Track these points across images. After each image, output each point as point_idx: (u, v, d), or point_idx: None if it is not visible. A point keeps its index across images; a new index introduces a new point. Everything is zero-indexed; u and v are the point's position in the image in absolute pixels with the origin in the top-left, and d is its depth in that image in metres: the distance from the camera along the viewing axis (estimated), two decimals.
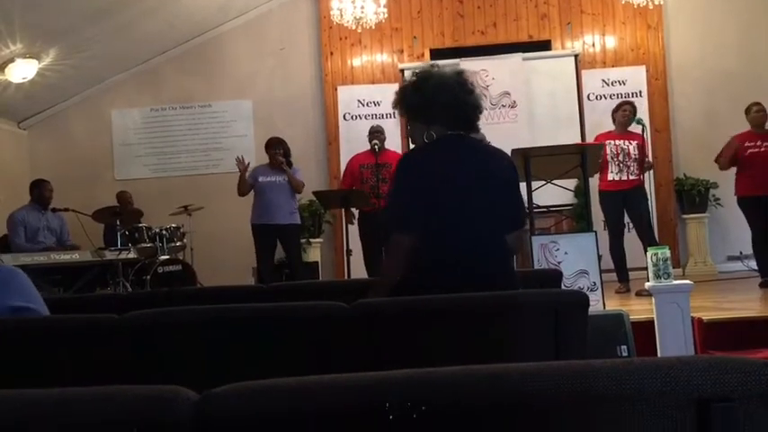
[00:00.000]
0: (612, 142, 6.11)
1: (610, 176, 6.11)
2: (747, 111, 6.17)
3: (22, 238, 6.53)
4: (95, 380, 1.51)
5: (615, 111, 6.28)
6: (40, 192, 6.76)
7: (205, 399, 0.90)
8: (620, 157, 6.06)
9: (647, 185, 6.33)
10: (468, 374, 0.93)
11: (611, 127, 6.32)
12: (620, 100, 7.08)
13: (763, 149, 5.94)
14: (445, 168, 2.44)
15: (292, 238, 6.47)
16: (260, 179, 6.41)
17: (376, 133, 6.31)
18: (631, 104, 6.36)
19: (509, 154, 5.31)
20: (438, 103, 2.48)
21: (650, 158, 6.31)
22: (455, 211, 2.41)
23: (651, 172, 6.67)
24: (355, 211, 6.34)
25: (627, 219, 6.24)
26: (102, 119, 8.75)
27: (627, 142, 6.07)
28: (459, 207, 2.41)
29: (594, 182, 5.91)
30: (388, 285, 2.40)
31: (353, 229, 6.31)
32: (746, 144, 6.00)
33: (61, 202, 6.96)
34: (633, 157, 6.04)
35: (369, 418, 0.91)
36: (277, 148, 6.40)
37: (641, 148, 6.09)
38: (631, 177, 6.05)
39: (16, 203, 6.90)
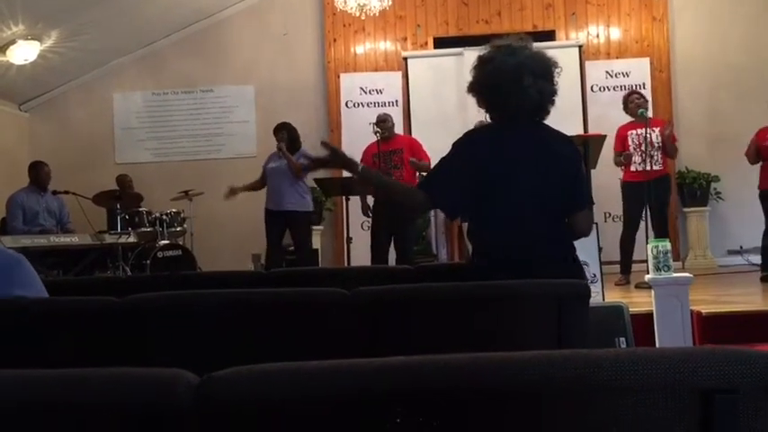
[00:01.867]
0: (634, 132, 6.04)
1: (633, 167, 6.00)
2: None
3: (19, 221, 6.52)
4: (94, 362, 1.51)
5: (626, 105, 6.19)
6: (37, 173, 6.75)
7: (205, 382, 0.90)
8: (643, 147, 5.97)
9: None
10: (468, 362, 0.93)
11: (615, 118, 6.28)
12: (623, 92, 7.02)
13: None
14: (501, 153, 2.42)
15: (298, 224, 6.47)
16: (268, 166, 6.47)
17: (380, 122, 6.30)
18: (638, 92, 6.31)
19: None
20: (485, 92, 2.49)
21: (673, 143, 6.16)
22: (508, 197, 2.40)
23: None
24: (370, 202, 6.34)
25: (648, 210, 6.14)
26: (103, 102, 8.72)
27: (649, 130, 5.92)
28: (513, 192, 2.40)
29: (594, 173, 5.87)
30: (380, 189, 2.62)
31: (354, 217, 6.30)
32: (767, 136, 5.97)
33: (62, 184, 6.95)
34: (656, 145, 5.92)
35: (368, 404, 0.91)
36: (281, 134, 6.41)
37: (663, 132, 6.00)
38: (655, 167, 5.88)
39: (17, 185, 6.90)
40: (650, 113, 6.18)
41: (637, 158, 6.01)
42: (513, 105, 2.44)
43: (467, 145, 2.46)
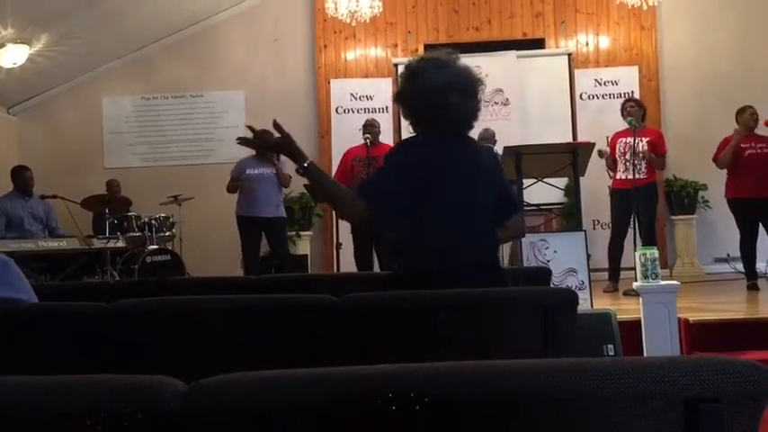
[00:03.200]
0: (623, 140, 6.09)
1: (618, 175, 6.09)
2: (741, 112, 6.16)
3: (1, 227, 6.48)
4: (82, 368, 1.50)
5: (621, 113, 6.24)
6: (18, 179, 6.71)
7: (193, 390, 0.90)
8: (627, 156, 6.01)
9: None
10: (456, 370, 0.93)
11: (604, 126, 6.34)
12: (612, 100, 7.09)
13: (758, 150, 5.95)
14: (438, 164, 2.45)
15: (278, 231, 6.46)
16: (247, 171, 6.40)
17: (368, 127, 6.29)
18: (633, 100, 6.36)
19: (502, 152, 5.35)
20: (412, 105, 2.52)
21: (662, 155, 6.20)
22: (448, 206, 2.42)
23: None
24: None
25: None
26: (92, 106, 8.69)
27: (637, 139, 5.95)
28: (453, 201, 2.43)
29: (583, 180, 5.92)
30: (323, 190, 2.50)
31: (343, 223, 6.29)
32: (743, 145, 6.00)
33: (50, 189, 6.91)
34: (641, 155, 5.99)
35: (356, 411, 0.91)
36: None
37: (653, 143, 6.04)
38: (639, 176, 5.92)
39: (5, 190, 6.85)
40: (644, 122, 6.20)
41: (621, 166, 6.06)
42: (440, 121, 2.47)
43: (400, 155, 2.49)
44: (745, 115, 6.10)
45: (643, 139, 6.00)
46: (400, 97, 2.56)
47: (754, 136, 6.05)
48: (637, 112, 6.09)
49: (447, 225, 2.42)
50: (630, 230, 5.96)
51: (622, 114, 6.21)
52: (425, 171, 2.41)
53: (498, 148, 5.90)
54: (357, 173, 6.18)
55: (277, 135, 2.41)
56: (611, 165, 6.19)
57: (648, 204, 6.00)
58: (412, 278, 2.37)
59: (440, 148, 2.47)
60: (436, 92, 2.44)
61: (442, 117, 2.46)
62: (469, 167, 2.47)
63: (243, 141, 2.56)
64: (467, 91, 2.47)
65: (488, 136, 6.57)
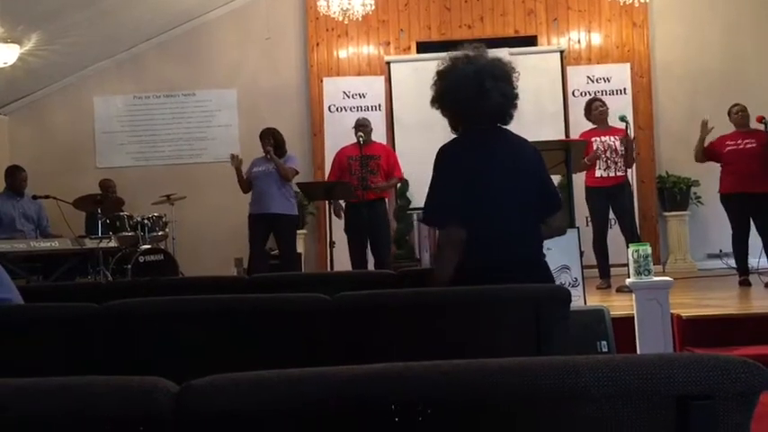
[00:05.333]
0: (598, 139, 6.12)
1: (597, 173, 6.12)
2: (729, 113, 6.22)
3: None
4: (75, 370, 1.50)
5: (588, 112, 6.29)
6: (13, 179, 6.68)
7: (185, 390, 0.90)
8: (608, 153, 6.06)
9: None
10: (449, 369, 0.93)
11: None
12: (604, 97, 7.08)
13: (741, 146, 5.99)
14: (479, 161, 2.48)
15: (285, 228, 6.42)
16: (253, 170, 6.42)
17: (360, 126, 6.29)
18: (599, 99, 6.41)
19: None
20: (449, 102, 2.54)
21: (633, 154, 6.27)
22: (490, 202, 2.45)
23: (634, 168, 6.70)
24: (342, 204, 6.33)
25: (611, 215, 6.26)
26: (84, 106, 8.65)
27: (612, 138, 6.06)
28: (495, 197, 2.45)
29: (578, 178, 5.93)
30: (446, 279, 2.42)
31: (337, 221, 6.30)
32: (727, 142, 6.05)
33: (42, 189, 6.88)
34: (620, 152, 6.04)
35: (351, 411, 0.91)
36: (267, 139, 6.39)
37: (627, 141, 6.09)
38: (618, 173, 6.02)
39: None
40: (630, 119, 6.23)
41: (602, 164, 6.09)
42: (478, 110, 2.49)
43: (446, 159, 2.52)
44: (732, 115, 6.17)
45: (617, 137, 6.05)
46: (437, 99, 2.58)
47: (742, 132, 6.07)
48: (607, 111, 6.17)
49: (484, 222, 2.44)
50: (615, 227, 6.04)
51: (588, 113, 6.27)
52: (467, 172, 2.46)
53: None
54: (355, 171, 6.19)
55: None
56: (590, 161, 6.17)
57: (629, 201, 6.11)
58: (471, 274, 2.39)
59: (479, 146, 2.50)
60: (471, 81, 2.45)
61: (482, 106, 2.47)
62: (509, 163, 2.49)
63: None
64: (501, 76, 2.49)
65: None
